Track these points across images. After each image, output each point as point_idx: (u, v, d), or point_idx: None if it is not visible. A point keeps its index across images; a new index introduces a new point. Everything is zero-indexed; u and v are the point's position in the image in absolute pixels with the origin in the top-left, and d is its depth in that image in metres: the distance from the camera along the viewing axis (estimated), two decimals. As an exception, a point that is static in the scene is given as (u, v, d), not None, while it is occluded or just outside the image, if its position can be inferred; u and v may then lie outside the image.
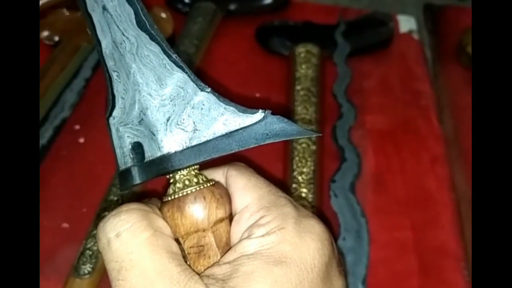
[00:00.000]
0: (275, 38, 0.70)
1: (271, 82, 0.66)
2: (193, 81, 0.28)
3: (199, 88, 0.28)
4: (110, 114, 0.29)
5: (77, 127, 0.58)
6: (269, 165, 0.52)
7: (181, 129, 0.28)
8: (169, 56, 0.29)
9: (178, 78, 0.28)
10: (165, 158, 0.28)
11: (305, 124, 0.56)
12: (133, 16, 0.29)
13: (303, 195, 0.50)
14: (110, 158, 0.54)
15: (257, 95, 0.64)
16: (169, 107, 0.28)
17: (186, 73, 0.28)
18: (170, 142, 0.28)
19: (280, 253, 0.25)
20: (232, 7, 0.72)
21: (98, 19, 0.29)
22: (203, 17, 0.69)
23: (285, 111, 0.60)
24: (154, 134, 0.28)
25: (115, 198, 0.49)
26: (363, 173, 0.55)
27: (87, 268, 0.45)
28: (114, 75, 0.29)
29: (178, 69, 0.28)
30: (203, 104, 0.28)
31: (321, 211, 0.51)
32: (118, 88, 0.29)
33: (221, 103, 0.28)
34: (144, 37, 0.29)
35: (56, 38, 0.67)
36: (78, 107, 0.59)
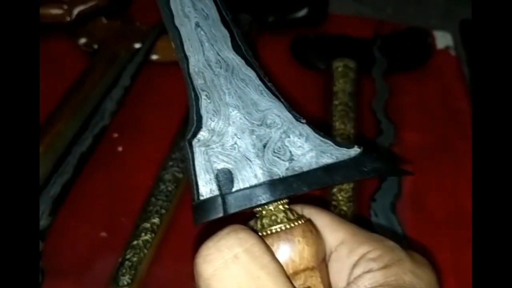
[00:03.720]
0: (310, 51, 0.70)
1: (306, 96, 0.66)
2: (289, 111, 0.27)
3: (296, 119, 0.27)
4: (194, 136, 0.27)
5: (116, 135, 0.58)
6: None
7: (278, 157, 0.26)
8: (264, 83, 0.27)
9: (274, 106, 0.27)
10: (261, 187, 0.26)
11: (344, 140, 0.56)
12: (228, 39, 0.28)
13: (343, 213, 0.50)
14: (148, 167, 0.54)
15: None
16: (266, 133, 0.27)
17: (282, 102, 0.27)
18: (266, 169, 0.26)
19: (408, 283, 0.24)
20: (270, 19, 0.71)
21: (187, 35, 0.28)
22: (239, 28, 0.69)
23: (322, 125, 0.60)
24: (249, 160, 0.26)
25: (155, 209, 0.49)
26: (402, 193, 0.54)
27: (126, 279, 0.45)
28: (202, 95, 0.27)
29: (274, 97, 0.27)
30: (300, 135, 0.27)
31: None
32: (208, 108, 0.27)
33: (318, 135, 0.27)
34: (239, 61, 0.28)
35: (95, 46, 0.67)
36: (117, 115, 0.59)
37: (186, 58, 0.28)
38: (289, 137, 0.27)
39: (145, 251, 0.46)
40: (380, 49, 0.67)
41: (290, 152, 0.26)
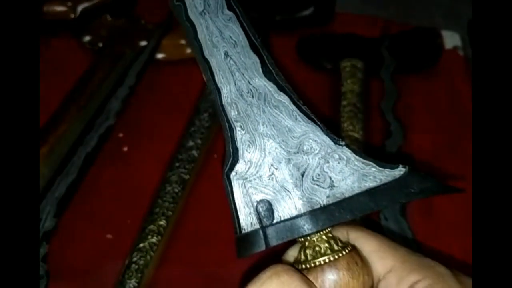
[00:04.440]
0: (317, 51, 0.69)
1: (313, 96, 0.65)
2: (327, 134, 0.26)
3: (334, 142, 0.26)
4: (231, 169, 0.26)
5: (121, 135, 0.57)
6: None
7: (317, 185, 0.25)
8: (299, 108, 0.27)
9: (310, 130, 0.26)
10: (302, 218, 0.25)
11: (353, 142, 0.55)
12: (259, 65, 0.27)
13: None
14: (153, 167, 0.54)
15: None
16: (303, 161, 0.26)
17: (319, 125, 0.26)
18: (306, 199, 0.25)
19: None
20: (277, 18, 0.71)
21: (217, 66, 0.27)
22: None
23: (330, 125, 0.59)
24: (287, 191, 0.25)
25: (161, 211, 0.48)
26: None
27: (132, 283, 0.44)
28: (237, 126, 0.27)
29: (309, 121, 0.26)
30: (340, 159, 0.26)
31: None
32: (243, 139, 0.27)
33: (359, 158, 0.26)
34: (271, 87, 0.27)
35: (100, 44, 0.67)
36: (122, 114, 0.58)
37: (218, 90, 0.27)
38: (328, 162, 0.26)
39: (152, 253, 0.45)
40: (388, 49, 0.66)
41: (330, 178, 0.25)
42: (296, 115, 0.27)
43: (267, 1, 0.74)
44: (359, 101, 0.60)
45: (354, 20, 0.76)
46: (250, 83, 0.27)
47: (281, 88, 0.27)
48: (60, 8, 0.70)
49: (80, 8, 0.70)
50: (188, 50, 0.66)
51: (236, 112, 0.27)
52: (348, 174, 0.26)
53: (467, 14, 0.76)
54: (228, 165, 0.27)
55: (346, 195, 0.25)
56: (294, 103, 0.27)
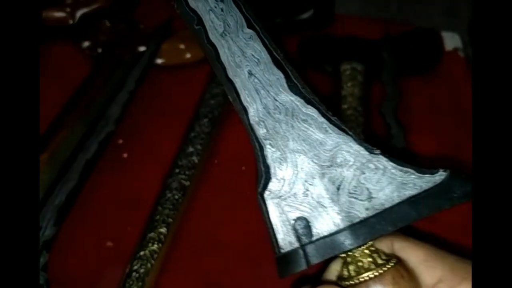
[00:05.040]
0: (317, 54, 0.68)
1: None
2: (360, 144, 0.26)
3: (368, 151, 0.25)
4: (265, 188, 0.26)
5: (121, 141, 0.57)
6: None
7: (355, 198, 0.25)
8: (328, 119, 0.26)
9: (342, 142, 0.26)
10: (342, 234, 0.24)
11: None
12: (284, 80, 0.27)
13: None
14: (154, 174, 0.53)
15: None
16: (338, 174, 0.25)
17: (350, 135, 0.26)
18: (345, 214, 0.24)
19: None
20: (277, 21, 0.70)
21: (242, 85, 0.27)
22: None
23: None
24: (323, 206, 0.25)
25: (161, 218, 0.48)
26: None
27: (133, 291, 0.44)
28: (266, 144, 0.26)
29: (340, 132, 0.26)
30: (376, 168, 0.25)
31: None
32: (274, 157, 0.26)
33: (396, 165, 0.25)
34: (298, 101, 0.27)
35: (99, 50, 0.66)
36: (121, 121, 0.58)
37: (244, 109, 0.27)
38: (364, 173, 0.25)
39: (152, 261, 0.45)
40: (389, 51, 0.66)
41: (368, 189, 0.25)
42: (326, 127, 0.26)
43: (266, 4, 0.73)
44: (360, 104, 0.60)
45: (354, 22, 0.76)
46: (276, 100, 0.27)
47: (308, 101, 0.27)
48: (59, 14, 0.70)
49: (79, 13, 0.70)
50: (188, 55, 0.66)
51: (265, 130, 0.26)
52: (386, 183, 0.25)
53: (467, 12, 0.76)
54: (261, 185, 0.26)
55: (386, 206, 0.24)
56: (323, 115, 0.26)
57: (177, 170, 0.52)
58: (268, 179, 0.26)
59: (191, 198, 0.51)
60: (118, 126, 0.57)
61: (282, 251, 0.25)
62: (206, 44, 0.28)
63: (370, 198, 0.24)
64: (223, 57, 0.28)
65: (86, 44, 0.68)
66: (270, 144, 0.26)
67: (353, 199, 0.25)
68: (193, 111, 0.59)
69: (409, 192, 0.24)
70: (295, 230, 0.25)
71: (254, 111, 0.27)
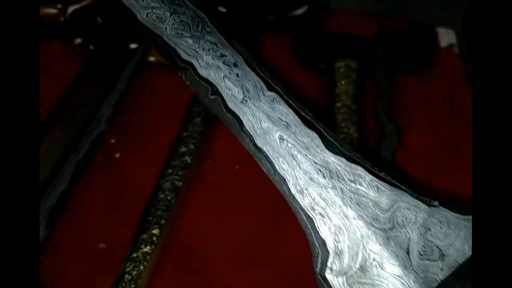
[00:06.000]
0: (311, 51, 0.68)
1: (307, 97, 0.65)
2: (417, 198, 0.23)
3: (427, 204, 0.24)
4: (324, 266, 0.23)
5: (113, 141, 0.56)
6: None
7: (427, 259, 0.23)
8: (376, 176, 0.24)
9: (399, 198, 0.23)
10: None
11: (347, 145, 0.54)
12: (319, 140, 0.25)
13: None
14: (146, 174, 0.53)
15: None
16: (403, 236, 0.23)
17: (403, 189, 0.24)
18: (421, 279, 0.22)
19: None
20: (271, 18, 0.70)
21: (274, 153, 0.25)
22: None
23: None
24: (398, 276, 0.22)
25: (154, 219, 0.48)
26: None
27: (126, 293, 0.43)
28: (315, 215, 0.24)
29: (393, 188, 0.24)
30: (440, 222, 0.23)
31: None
32: (327, 228, 0.23)
33: (457, 214, 0.23)
34: (340, 160, 0.24)
35: (91, 47, 0.65)
36: (113, 120, 0.58)
37: (283, 179, 0.24)
38: (429, 230, 0.23)
39: (145, 263, 0.45)
40: (384, 48, 0.66)
41: (437, 247, 0.23)
42: (377, 185, 0.24)
43: (260, 0, 0.73)
44: (354, 102, 0.60)
45: (349, 18, 0.75)
46: (316, 163, 0.24)
47: (350, 159, 0.24)
48: (49, 10, 0.69)
49: (70, 10, 0.69)
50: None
51: (310, 199, 0.24)
52: (454, 236, 0.23)
53: (464, 5, 0.75)
54: (319, 263, 0.23)
55: (460, 262, 0.23)
56: (370, 172, 0.24)
57: (170, 170, 0.51)
58: (326, 255, 0.23)
59: (184, 198, 0.51)
60: (110, 125, 0.57)
61: None
62: (225, 113, 0.26)
63: (442, 256, 0.23)
64: (248, 125, 0.25)
65: (77, 41, 0.67)
66: (320, 214, 0.23)
67: (426, 262, 0.23)
68: (186, 110, 0.58)
69: None
70: None
71: (293, 180, 0.24)
